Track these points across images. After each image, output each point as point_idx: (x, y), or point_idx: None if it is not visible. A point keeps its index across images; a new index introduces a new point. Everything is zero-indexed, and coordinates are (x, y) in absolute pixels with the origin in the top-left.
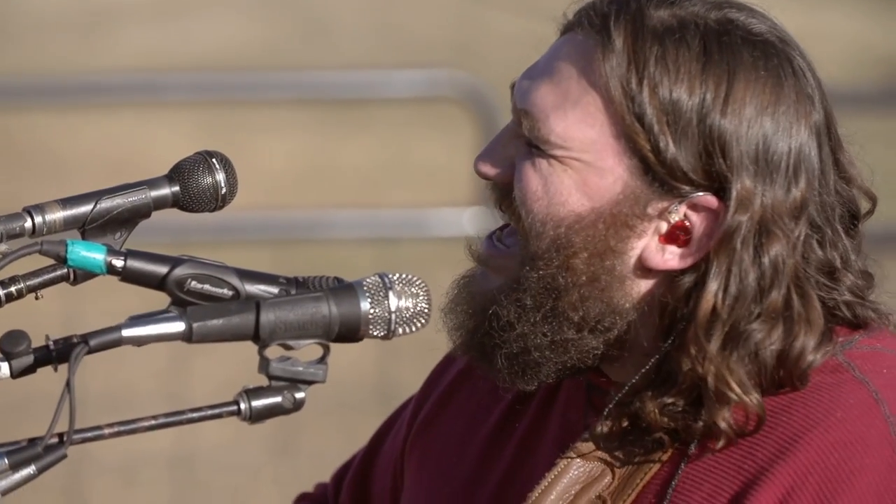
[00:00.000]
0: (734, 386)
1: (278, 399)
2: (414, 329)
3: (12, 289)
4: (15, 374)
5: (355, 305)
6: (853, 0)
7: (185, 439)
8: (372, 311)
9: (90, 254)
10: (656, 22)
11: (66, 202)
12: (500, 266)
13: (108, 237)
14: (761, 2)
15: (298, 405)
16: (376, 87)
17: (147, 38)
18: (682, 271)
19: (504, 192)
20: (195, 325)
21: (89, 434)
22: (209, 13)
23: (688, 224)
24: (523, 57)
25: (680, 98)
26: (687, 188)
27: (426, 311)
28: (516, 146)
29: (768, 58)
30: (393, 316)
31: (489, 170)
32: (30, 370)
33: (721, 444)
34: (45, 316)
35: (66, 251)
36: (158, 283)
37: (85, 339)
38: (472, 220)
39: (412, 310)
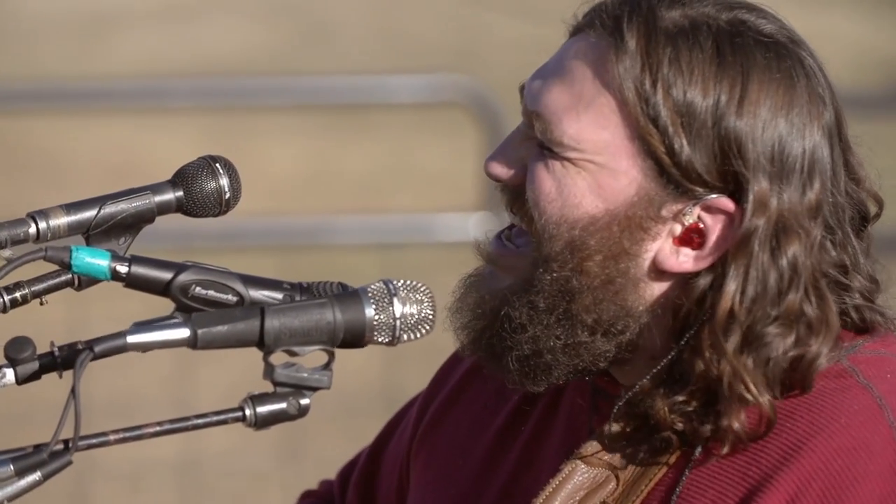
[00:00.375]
0: (752, 387)
1: (283, 405)
2: (419, 335)
3: (17, 294)
4: (20, 381)
5: (360, 312)
6: (858, 3)
7: (192, 445)
8: (377, 317)
9: (94, 260)
10: (668, 23)
11: (70, 207)
12: (510, 266)
13: (113, 242)
14: (770, 4)
15: (303, 411)
16: (380, 92)
17: (150, 43)
18: (696, 274)
19: (515, 195)
20: (200, 331)
21: (94, 441)
22: (212, 18)
23: (702, 226)
24: (526, 61)
25: (694, 100)
26: (701, 190)
27: (431, 317)
28: (528, 148)
29: (781, 59)
30: (397, 322)
31: (501, 171)
32: (35, 377)
33: (726, 448)
34: (50, 322)
35: (71, 257)
36: (163, 289)
37: (90, 345)
38: (477, 225)
39: (417, 316)
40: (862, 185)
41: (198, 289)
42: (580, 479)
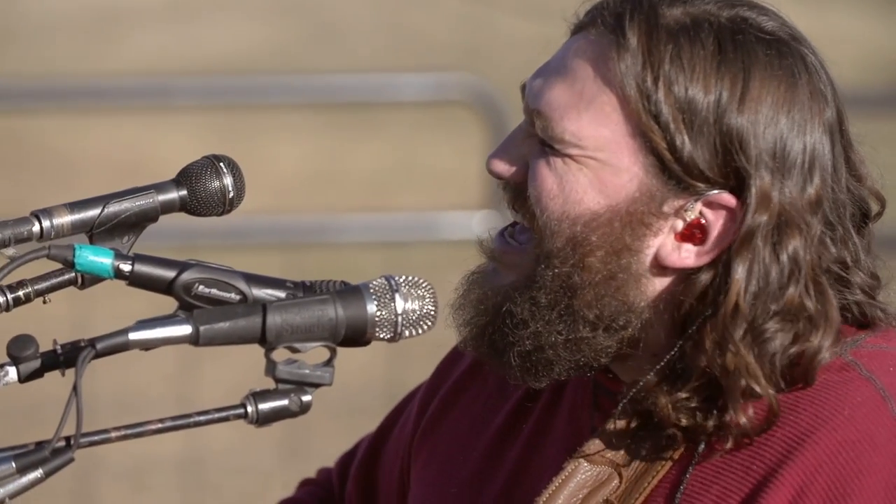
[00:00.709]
0: (762, 380)
1: (285, 402)
2: (420, 331)
3: (20, 293)
4: (23, 379)
5: (362, 308)
6: (863, 2)
7: (195, 443)
8: (378, 313)
9: (98, 258)
10: (670, 20)
11: (74, 206)
12: (513, 262)
13: (116, 241)
14: (774, 4)
15: (305, 408)
16: (386, 91)
17: (156, 41)
18: (698, 269)
19: (517, 192)
20: (202, 328)
21: (96, 438)
22: (219, 17)
23: (704, 222)
24: (532, 60)
25: (696, 96)
26: (703, 186)
27: (433, 313)
28: (529, 145)
29: (782, 56)
30: (399, 318)
31: (503, 169)
32: (37, 374)
33: (730, 444)
34: (54, 320)
35: (74, 255)
36: (166, 287)
37: (92, 342)
38: (481, 224)
39: (419, 312)
40: (863, 182)
41: (201, 287)
42: (583, 476)
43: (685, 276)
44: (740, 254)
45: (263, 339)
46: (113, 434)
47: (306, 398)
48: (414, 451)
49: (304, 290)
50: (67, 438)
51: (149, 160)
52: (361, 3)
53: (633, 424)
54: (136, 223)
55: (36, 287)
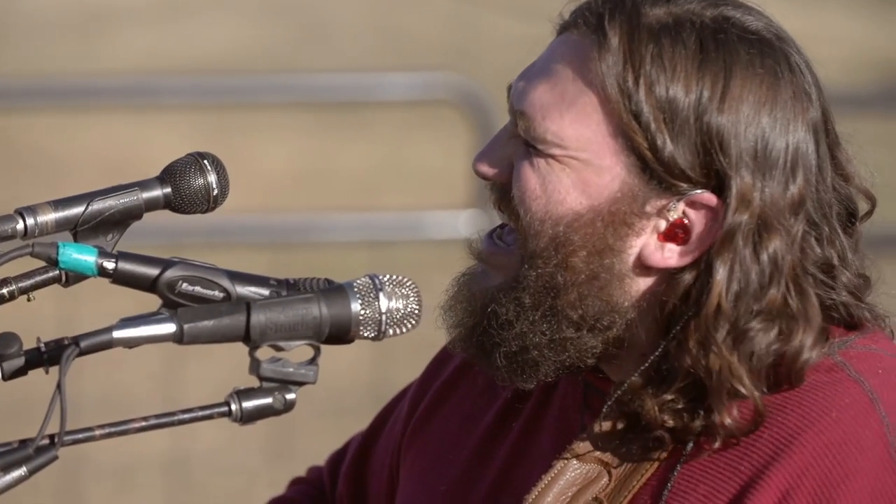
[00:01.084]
0: (745, 381)
1: (269, 400)
2: (404, 330)
3: (4, 291)
4: (6, 377)
5: (346, 307)
6: (853, 2)
7: (181, 442)
8: (362, 312)
9: (81, 256)
10: (652, 20)
11: (58, 204)
12: (500, 264)
13: (100, 239)
14: (761, 3)
15: (289, 406)
16: (372, 90)
17: (144, 40)
18: (681, 269)
19: (503, 192)
20: (186, 326)
21: (80, 436)
22: (207, 16)
23: (686, 222)
24: (519, 60)
25: (676, 96)
26: (685, 186)
27: (417, 312)
28: (514, 146)
29: (764, 55)
30: (383, 317)
31: (487, 170)
32: (21, 372)
33: (718, 443)
34: (40, 318)
35: (58, 253)
36: (149, 285)
37: (76, 340)
38: (468, 223)
39: (403, 311)
40: (851, 181)
41: (184, 285)
42: (572, 474)
43: (668, 275)
44: (721, 254)
45: (248, 337)
46: (97, 432)
47: (290, 396)
48: (404, 449)
49: (288, 288)
50: (51, 436)
51: (138, 159)
52: (350, 2)
53: (621, 425)
54: (121, 221)
55: (20, 285)
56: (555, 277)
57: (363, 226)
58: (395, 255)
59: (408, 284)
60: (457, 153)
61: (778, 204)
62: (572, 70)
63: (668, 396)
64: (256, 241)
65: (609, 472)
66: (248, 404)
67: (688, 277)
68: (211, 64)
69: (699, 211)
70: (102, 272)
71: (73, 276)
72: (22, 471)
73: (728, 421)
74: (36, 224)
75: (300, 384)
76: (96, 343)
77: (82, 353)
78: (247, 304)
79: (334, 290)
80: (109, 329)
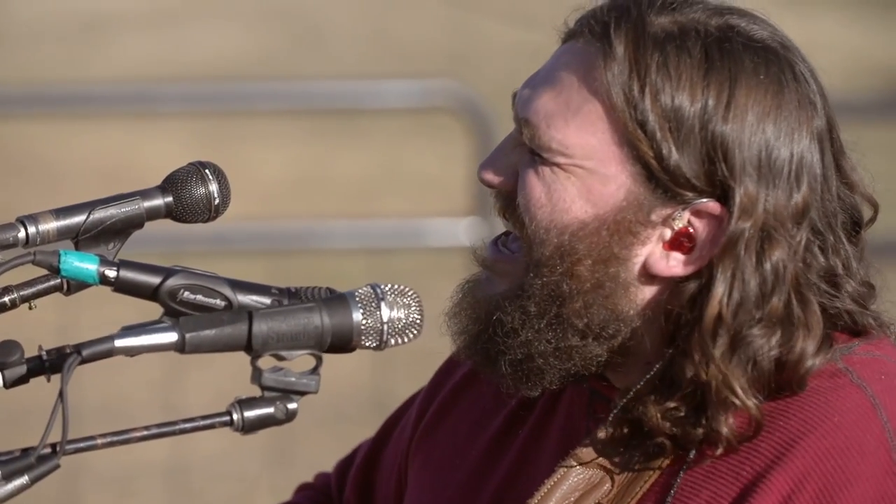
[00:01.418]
0: (738, 391)
1: (271, 410)
2: (406, 340)
3: (6, 299)
4: (8, 385)
5: (347, 316)
6: (852, 9)
7: (181, 450)
8: (364, 321)
9: (83, 264)
10: (657, 29)
11: (60, 212)
12: (505, 271)
13: (102, 247)
14: (761, 10)
15: (291, 416)
16: (370, 98)
17: (141, 47)
18: (686, 278)
19: (507, 200)
20: (187, 335)
21: (82, 444)
22: (203, 23)
23: (691, 230)
24: (517, 67)
25: (682, 105)
26: (690, 195)
27: (418, 321)
28: (519, 154)
29: (769, 64)
30: (385, 327)
31: (493, 178)
32: (22, 380)
33: (720, 450)
34: (41, 326)
35: (59, 261)
36: (151, 293)
37: (77, 349)
38: (467, 231)
39: (404, 320)
40: (855, 189)
41: (186, 293)
42: (575, 480)
43: (673, 284)
44: (723, 262)
45: (249, 346)
46: (99, 441)
47: (292, 406)
48: (411, 455)
49: (290, 297)
50: (53, 445)
51: (134, 166)
52: (347, 9)
53: (624, 432)
54: (122, 229)
55: (21, 293)
56: (560, 286)
57: (361, 233)
58: (393, 263)
59: (409, 294)
60: (455, 160)
61: (781, 213)
62: (577, 78)
63: (672, 404)
64: (254, 248)
65: (612, 478)
66: (250, 414)
67: (692, 286)
68: (208, 71)
69: (704, 220)
70: (104, 280)
71: (75, 285)
72: (24, 479)
73: (725, 430)
74: (37, 232)
75: (302, 394)
76: (98, 351)
77: (84, 361)
78: (249, 314)
79: (336, 300)
80: (111, 337)
